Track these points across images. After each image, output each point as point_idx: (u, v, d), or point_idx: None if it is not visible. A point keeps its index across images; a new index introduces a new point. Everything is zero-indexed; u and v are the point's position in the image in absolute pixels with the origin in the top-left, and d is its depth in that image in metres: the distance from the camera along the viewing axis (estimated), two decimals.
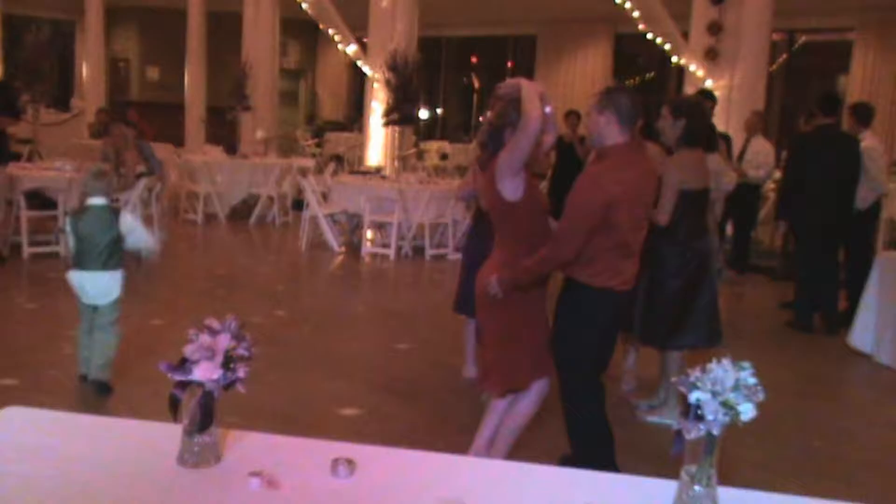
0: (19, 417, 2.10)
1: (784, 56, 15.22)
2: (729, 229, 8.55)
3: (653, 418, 4.53)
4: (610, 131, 3.22)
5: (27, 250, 7.83)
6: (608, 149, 3.25)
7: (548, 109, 3.23)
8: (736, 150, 8.46)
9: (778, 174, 9.05)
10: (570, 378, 3.43)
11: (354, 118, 18.40)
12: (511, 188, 3.24)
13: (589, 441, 3.48)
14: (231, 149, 12.08)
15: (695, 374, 1.68)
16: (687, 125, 4.13)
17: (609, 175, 3.20)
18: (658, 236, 4.28)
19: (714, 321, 4.41)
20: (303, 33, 20.01)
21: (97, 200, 4.32)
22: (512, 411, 3.52)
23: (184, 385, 1.83)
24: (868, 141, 6.81)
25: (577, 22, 16.55)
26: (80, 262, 4.31)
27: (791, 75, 15.55)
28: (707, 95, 7.29)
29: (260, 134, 13.95)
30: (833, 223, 6.57)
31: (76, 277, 4.34)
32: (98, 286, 4.33)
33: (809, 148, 6.71)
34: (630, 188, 3.21)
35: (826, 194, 6.52)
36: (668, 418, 4.42)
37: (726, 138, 7.88)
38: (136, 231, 4.39)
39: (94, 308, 4.38)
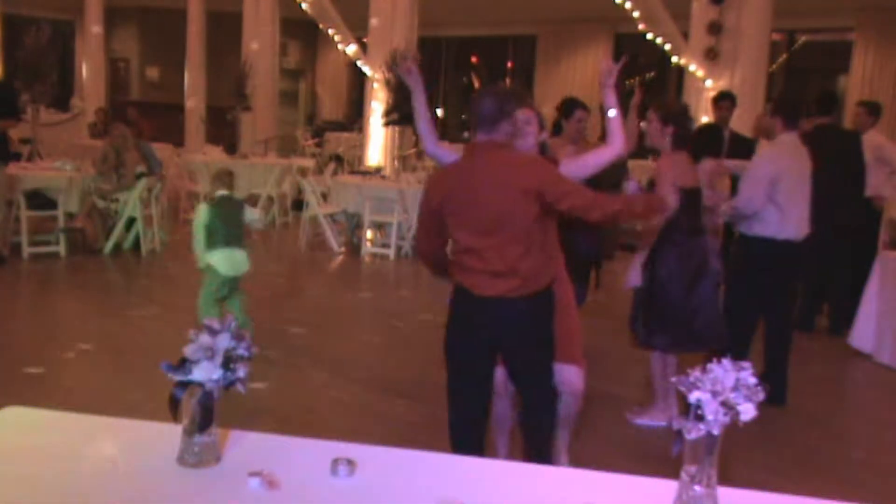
0: (19, 417, 2.09)
1: (784, 56, 15.21)
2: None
3: (641, 420, 4.51)
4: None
5: (27, 250, 7.83)
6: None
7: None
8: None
9: None
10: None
11: (354, 118, 18.38)
12: None
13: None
14: (231, 149, 12.06)
15: (695, 374, 1.68)
16: (675, 133, 4.27)
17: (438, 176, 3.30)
18: (657, 237, 4.29)
19: (717, 325, 4.33)
20: (303, 33, 19.97)
21: (226, 192, 5.12)
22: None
23: (184, 385, 1.83)
24: (879, 138, 6.89)
25: (577, 22, 16.53)
26: (227, 242, 5.04)
27: (791, 75, 15.53)
28: (727, 96, 7.34)
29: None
30: (843, 222, 6.53)
31: (225, 254, 5.06)
32: (241, 259, 5.17)
33: (808, 147, 6.71)
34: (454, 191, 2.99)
35: (828, 193, 6.50)
36: (657, 420, 4.41)
37: (749, 143, 7.75)
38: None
39: (234, 278, 5.17)
